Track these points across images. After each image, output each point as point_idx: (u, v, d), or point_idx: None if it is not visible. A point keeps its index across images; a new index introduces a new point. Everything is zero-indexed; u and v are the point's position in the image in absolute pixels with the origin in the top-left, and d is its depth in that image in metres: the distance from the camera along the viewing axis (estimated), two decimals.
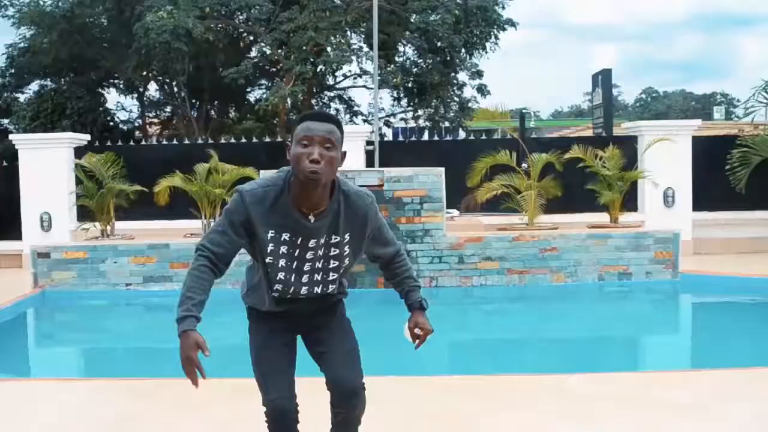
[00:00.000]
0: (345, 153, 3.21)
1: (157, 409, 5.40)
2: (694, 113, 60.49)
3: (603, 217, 12.56)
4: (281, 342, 3.50)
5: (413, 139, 20.74)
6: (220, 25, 21.50)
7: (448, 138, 18.07)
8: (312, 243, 3.24)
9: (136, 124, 26.15)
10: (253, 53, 22.48)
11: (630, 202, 13.39)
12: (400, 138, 24.33)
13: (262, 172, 11.40)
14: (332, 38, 19.95)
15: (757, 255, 13.40)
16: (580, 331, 9.35)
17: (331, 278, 3.37)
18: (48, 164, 13.56)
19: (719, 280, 11.12)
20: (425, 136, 18.63)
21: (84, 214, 13.05)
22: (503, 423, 4.97)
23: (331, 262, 3.32)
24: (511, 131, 13.56)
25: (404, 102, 24.18)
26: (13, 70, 23.89)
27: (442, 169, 10.85)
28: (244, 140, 16.93)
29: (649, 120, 23.45)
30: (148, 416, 5.25)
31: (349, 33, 21.48)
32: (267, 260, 3.25)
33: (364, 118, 25.48)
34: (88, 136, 15.07)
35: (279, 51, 20.54)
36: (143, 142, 20.21)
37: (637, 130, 14.24)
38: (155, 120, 27.44)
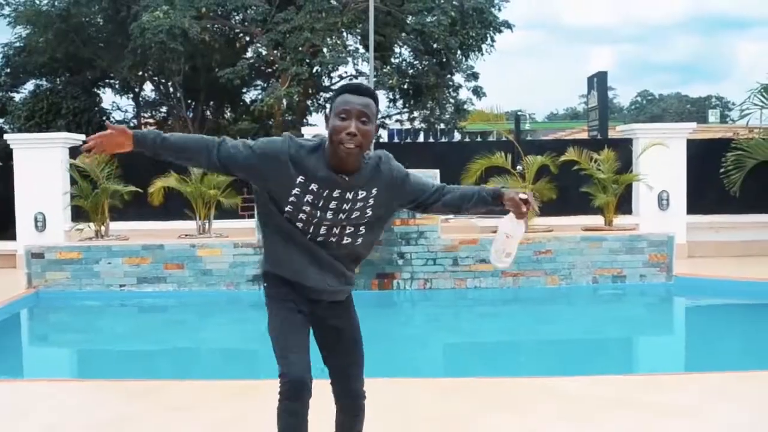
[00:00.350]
0: (379, 126, 3.31)
1: (151, 410, 5.39)
2: (689, 116, 60.54)
3: (597, 220, 12.58)
4: (301, 321, 3.42)
5: (408, 140, 20.76)
6: (216, 26, 21.52)
7: (443, 140, 18.09)
8: (336, 193, 3.24)
9: (132, 124, 26.10)
10: (249, 54, 22.50)
11: (624, 204, 13.40)
12: (396, 139, 24.36)
13: None
14: (328, 39, 19.96)
15: (751, 258, 13.42)
16: (574, 333, 9.36)
17: (348, 233, 3.33)
18: (42, 164, 13.52)
19: (713, 283, 11.13)
20: (420, 138, 18.64)
21: (78, 214, 13.03)
22: (500, 425, 4.97)
23: (354, 213, 3.29)
24: (506, 133, 13.55)
25: (400, 103, 24.21)
26: (8, 70, 23.89)
27: (437, 171, 10.85)
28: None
29: (644, 123, 23.50)
30: (143, 417, 5.24)
31: (345, 34, 21.50)
32: (286, 208, 3.26)
33: None
34: (83, 136, 15.03)
35: (275, 52, 20.55)
36: None
37: (632, 133, 14.25)
38: (151, 120, 27.41)
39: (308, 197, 3.23)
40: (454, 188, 3.47)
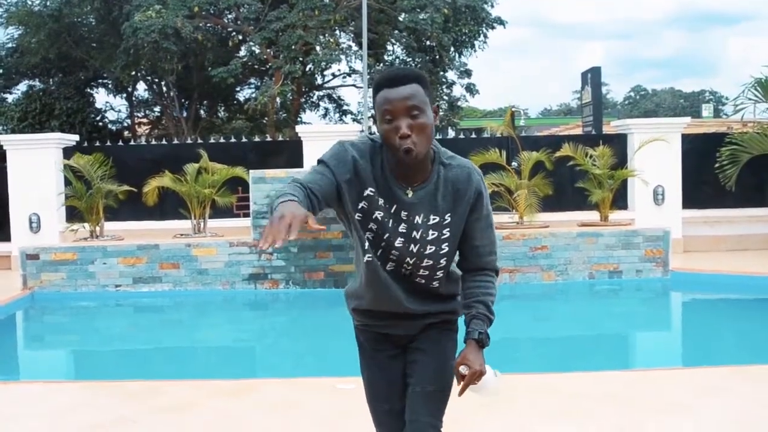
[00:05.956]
0: (438, 107, 2.80)
1: (147, 410, 5.37)
2: (682, 111, 60.66)
3: (593, 215, 12.59)
4: (388, 358, 3.03)
5: None
6: (208, 25, 21.47)
7: (437, 137, 18.06)
8: (404, 215, 2.76)
9: (125, 124, 26.06)
10: (242, 52, 22.43)
11: (620, 200, 13.42)
12: None
13: (251, 171, 11.40)
14: (321, 37, 19.94)
15: (746, 252, 13.45)
16: (570, 329, 9.36)
17: (425, 265, 2.82)
18: (36, 165, 13.49)
19: (709, 277, 11.15)
20: None
21: (73, 214, 13.00)
22: (496, 422, 4.96)
23: (428, 247, 2.79)
24: (506, 127, 13.53)
25: None
26: (0, 71, 23.79)
27: None
28: (233, 140, 16.88)
29: (638, 118, 23.52)
30: (139, 418, 5.22)
31: (338, 32, 21.48)
32: (357, 218, 2.77)
33: (353, 117, 25.48)
34: (76, 137, 15.01)
35: (268, 50, 20.52)
36: (132, 143, 20.13)
37: (626, 129, 14.26)
38: (144, 120, 27.36)
39: (377, 213, 2.76)
40: (481, 282, 2.89)
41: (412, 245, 2.78)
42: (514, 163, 13.04)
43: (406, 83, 2.65)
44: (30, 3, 21.82)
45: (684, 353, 8.42)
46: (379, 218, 2.75)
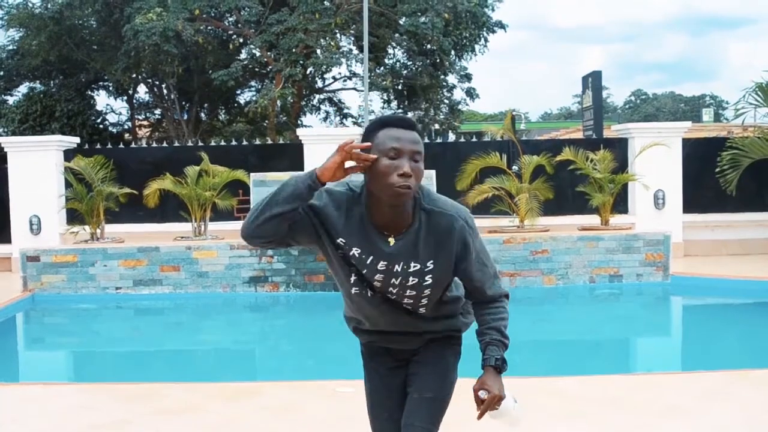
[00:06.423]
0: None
1: (148, 413, 5.37)
2: (683, 115, 60.68)
3: (593, 220, 12.58)
4: (389, 369, 3.07)
5: None
6: (209, 27, 21.47)
7: (438, 140, 18.06)
8: (382, 264, 2.74)
9: (126, 127, 26.04)
10: (243, 55, 22.42)
11: (620, 204, 13.42)
12: None
13: (252, 174, 11.39)
14: (322, 40, 19.93)
15: (747, 257, 13.44)
16: (570, 333, 9.36)
17: (407, 295, 2.82)
18: (37, 167, 13.49)
19: (710, 282, 11.15)
20: None
21: (73, 217, 13.00)
22: (495, 425, 4.95)
23: (408, 291, 2.80)
24: (506, 131, 13.52)
25: (394, 104, 24.17)
26: (1, 73, 23.80)
27: (433, 172, 10.84)
28: (234, 143, 16.90)
29: (638, 122, 23.53)
30: (139, 421, 5.22)
31: (338, 35, 21.46)
32: (339, 255, 2.78)
33: (354, 120, 25.48)
34: (77, 139, 15.01)
35: (268, 53, 20.51)
36: (133, 145, 20.15)
37: (627, 133, 14.26)
38: (145, 122, 27.34)
39: (352, 261, 2.76)
40: (492, 311, 2.96)
41: (392, 288, 2.80)
42: (514, 167, 13.04)
43: (415, 129, 2.71)
44: (31, 5, 21.80)
45: (684, 357, 8.42)
46: (354, 263, 2.76)
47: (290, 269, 10.86)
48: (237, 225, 12.60)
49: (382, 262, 2.73)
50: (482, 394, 2.77)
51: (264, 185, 10.93)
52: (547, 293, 10.91)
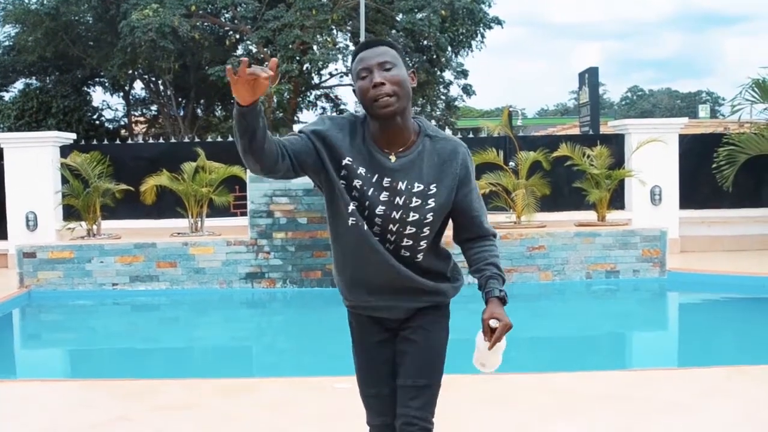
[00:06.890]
0: (414, 73, 2.87)
1: (145, 409, 5.36)
2: (679, 111, 60.65)
3: (590, 215, 12.59)
4: (376, 344, 3.06)
5: None
6: (206, 23, 21.46)
7: None
8: (387, 181, 2.80)
9: (122, 123, 26.03)
10: (239, 51, 22.40)
11: (617, 200, 13.42)
12: None
13: (249, 170, 11.37)
14: (318, 37, 19.93)
15: (743, 252, 13.46)
16: (567, 329, 9.36)
17: (408, 233, 2.83)
18: (33, 163, 13.46)
19: (706, 278, 11.16)
20: None
21: (70, 213, 12.97)
22: (494, 421, 4.96)
23: (411, 214, 2.80)
24: (504, 127, 13.53)
25: None
26: None
27: None
28: (230, 138, 16.88)
29: (635, 118, 23.55)
30: (137, 417, 5.21)
31: (335, 31, 21.46)
32: (336, 190, 2.81)
33: None
34: (73, 135, 14.99)
35: (265, 49, 20.49)
36: (129, 141, 20.12)
37: (624, 129, 14.27)
38: (141, 118, 27.34)
39: (356, 182, 2.80)
40: (486, 247, 2.98)
41: (395, 212, 2.81)
42: (511, 163, 13.05)
43: (380, 45, 2.80)
44: (27, 1, 21.79)
45: (681, 353, 8.42)
46: (359, 186, 2.80)
47: (287, 265, 10.86)
48: (233, 221, 12.69)
49: (386, 179, 2.80)
50: (493, 323, 2.82)
51: (261, 181, 10.91)
52: (544, 289, 10.91)
